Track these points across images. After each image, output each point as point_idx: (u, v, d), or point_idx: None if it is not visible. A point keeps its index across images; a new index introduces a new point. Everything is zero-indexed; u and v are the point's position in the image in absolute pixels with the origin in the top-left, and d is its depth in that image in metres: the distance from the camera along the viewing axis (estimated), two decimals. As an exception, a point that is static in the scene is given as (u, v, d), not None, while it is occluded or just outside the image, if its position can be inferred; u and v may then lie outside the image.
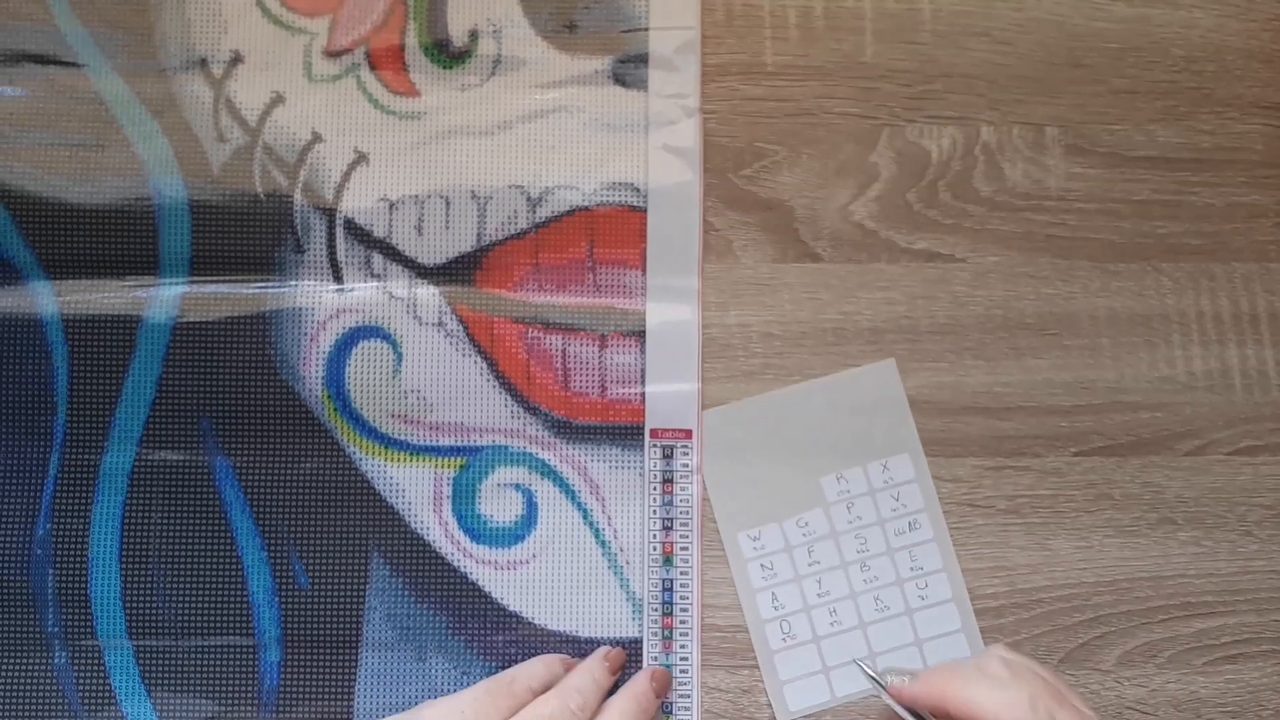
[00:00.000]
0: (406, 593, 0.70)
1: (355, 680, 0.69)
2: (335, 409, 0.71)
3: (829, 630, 0.71)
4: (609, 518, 0.71)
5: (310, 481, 0.71)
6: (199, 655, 0.69)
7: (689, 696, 0.70)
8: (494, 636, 0.70)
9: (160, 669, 0.69)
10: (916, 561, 0.71)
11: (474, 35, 0.74)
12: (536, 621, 0.70)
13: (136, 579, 0.70)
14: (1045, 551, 0.71)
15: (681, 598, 0.70)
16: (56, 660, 0.69)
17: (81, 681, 0.69)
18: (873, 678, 0.65)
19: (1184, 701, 0.70)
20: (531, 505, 0.71)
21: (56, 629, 0.69)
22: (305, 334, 0.71)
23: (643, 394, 0.71)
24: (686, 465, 0.71)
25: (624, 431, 0.71)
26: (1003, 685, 0.60)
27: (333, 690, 0.69)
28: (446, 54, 0.73)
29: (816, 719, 0.70)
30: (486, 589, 0.70)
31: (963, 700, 0.60)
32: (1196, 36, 0.75)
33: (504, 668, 0.69)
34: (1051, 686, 0.61)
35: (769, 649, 0.71)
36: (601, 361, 0.72)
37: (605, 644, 0.70)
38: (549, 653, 0.69)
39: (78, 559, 0.70)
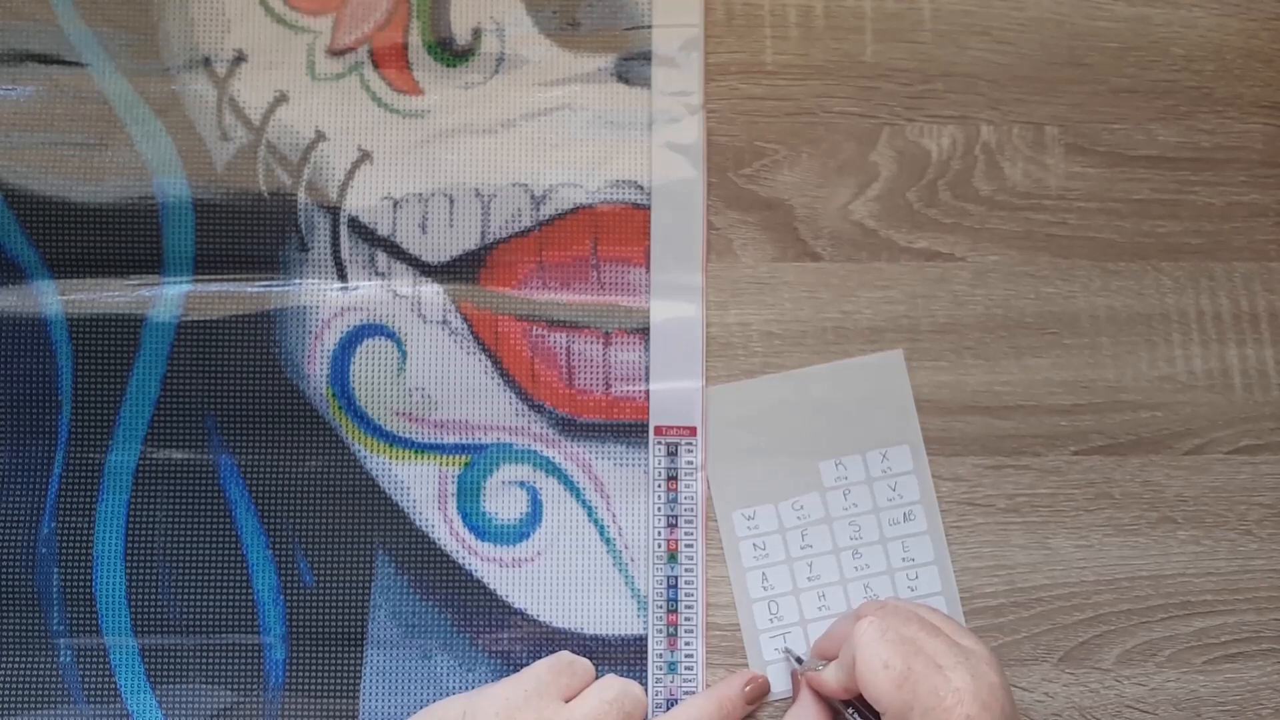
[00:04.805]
0: (411, 590, 0.70)
1: (360, 678, 0.70)
2: (340, 407, 0.71)
3: (816, 614, 0.71)
4: (613, 515, 0.71)
5: (315, 479, 0.71)
6: (204, 653, 0.70)
7: (695, 693, 0.70)
8: (499, 634, 0.70)
9: (165, 667, 0.69)
10: (909, 552, 0.72)
11: (477, 33, 0.74)
12: (541, 619, 0.70)
13: (141, 577, 0.70)
14: (1045, 550, 0.71)
15: (686, 595, 0.70)
16: (62, 658, 0.69)
17: (87, 679, 0.69)
18: (797, 658, 0.69)
19: (1184, 700, 0.71)
20: (536, 503, 0.71)
21: (62, 627, 0.69)
22: (310, 332, 0.71)
23: (647, 391, 0.72)
24: (691, 462, 0.71)
25: (628, 429, 0.71)
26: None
27: (338, 688, 0.70)
28: (450, 52, 0.73)
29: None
30: (491, 586, 0.70)
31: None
32: (1196, 36, 0.75)
33: (509, 665, 0.69)
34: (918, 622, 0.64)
35: (755, 628, 0.71)
36: (606, 359, 0.72)
37: (610, 641, 0.70)
38: (553, 649, 0.70)
39: (83, 557, 0.70)
